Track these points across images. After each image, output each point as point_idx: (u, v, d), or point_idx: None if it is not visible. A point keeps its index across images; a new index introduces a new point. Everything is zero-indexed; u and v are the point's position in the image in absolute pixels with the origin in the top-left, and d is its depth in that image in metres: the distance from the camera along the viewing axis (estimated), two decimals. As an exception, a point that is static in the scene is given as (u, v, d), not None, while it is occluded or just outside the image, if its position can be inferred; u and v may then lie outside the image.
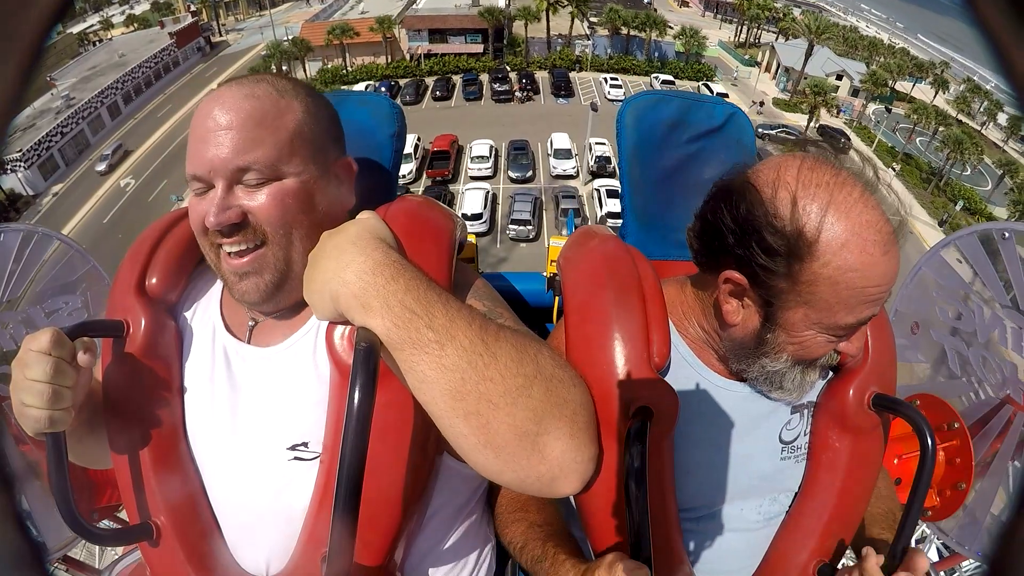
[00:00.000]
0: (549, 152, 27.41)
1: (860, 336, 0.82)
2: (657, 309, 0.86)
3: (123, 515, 1.09)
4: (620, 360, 0.82)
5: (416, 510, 0.86)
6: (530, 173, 26.56)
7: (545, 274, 1.50)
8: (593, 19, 43.30)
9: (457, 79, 36.90)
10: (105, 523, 1.41)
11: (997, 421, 1.23)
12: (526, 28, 38.65)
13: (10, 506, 0.34)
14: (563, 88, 35.53)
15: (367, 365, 0.64)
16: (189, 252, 0.95)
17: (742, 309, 0.82)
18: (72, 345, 0.76)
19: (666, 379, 0.84)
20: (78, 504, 0.78)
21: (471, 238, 1.13)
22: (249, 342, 0.90)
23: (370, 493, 0.64)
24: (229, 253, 0.82)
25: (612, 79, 36.41)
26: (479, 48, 38.86)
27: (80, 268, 1.40)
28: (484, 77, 36.89)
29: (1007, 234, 1.20)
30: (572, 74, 38.02)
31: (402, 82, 37.05)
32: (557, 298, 1.42)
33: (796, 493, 0.96)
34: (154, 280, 0.90)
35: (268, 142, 0.80)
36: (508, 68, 37.73)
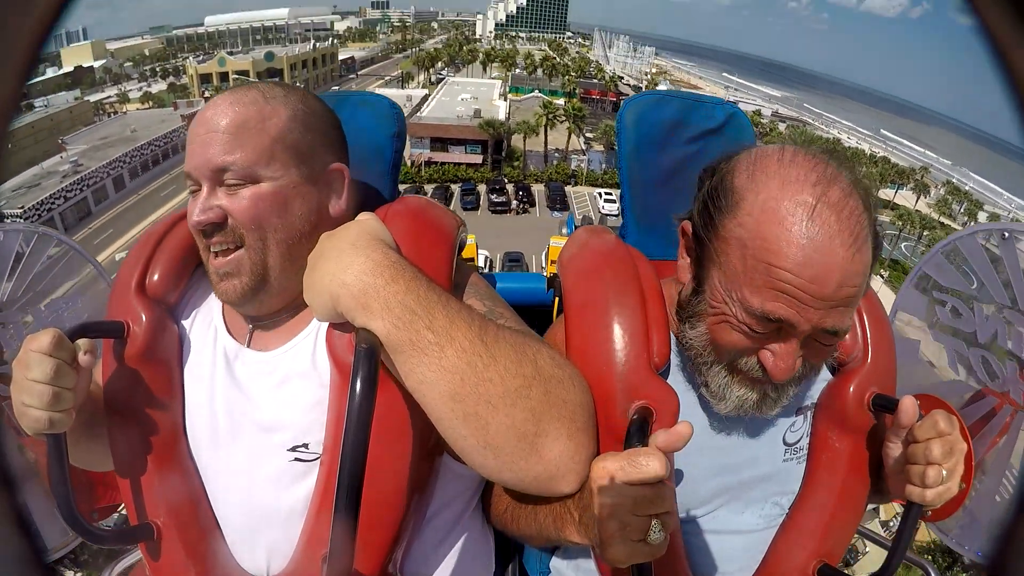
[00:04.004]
0: (543, 264, 26.82)
1: (785, 355, 0.73)
2: (657, 309, 0.86)
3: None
4: (620, 360, 0.82)
5: (416, 511, 0.85)
6: (524, 284, 26.80)
7: (545, 274, 1.50)
8: (589, 134, 44.20)
9: (455, 188, 36.64)
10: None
11: (997, 421, 1.22)
12: (524, 141, 38.90)
13: (10, 506, 0.34)
14: (559, 201, 35.59)
15: (367, 366, 0.64)
16: (190, 254, 0.95)
17: (689, 265, 0.83)
18: (73, 346, 0.76)
19: (666, 379, 0.84)
20: (78, 504, 0.77)
21: (471, 238, 1.13)
22: (250, 345, 0.90)
23: (370, 494, 0.64)
24: (214, 253, 0.84)
25: (606, 194, 35.84)
26: (478, 159, 39.04)
27: (80, 268, 1.40)
28: (482, 188, 36.97)
29: (1007, 234, 1.20)
30: (568, 188, 38.00)
31: (401, 188, 37.12)
32: (557, 298, 1.43)
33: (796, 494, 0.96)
34: (155, 281, 0.90)
35: (248, 146, 0.82)
36: (506, 180, 37.73)
